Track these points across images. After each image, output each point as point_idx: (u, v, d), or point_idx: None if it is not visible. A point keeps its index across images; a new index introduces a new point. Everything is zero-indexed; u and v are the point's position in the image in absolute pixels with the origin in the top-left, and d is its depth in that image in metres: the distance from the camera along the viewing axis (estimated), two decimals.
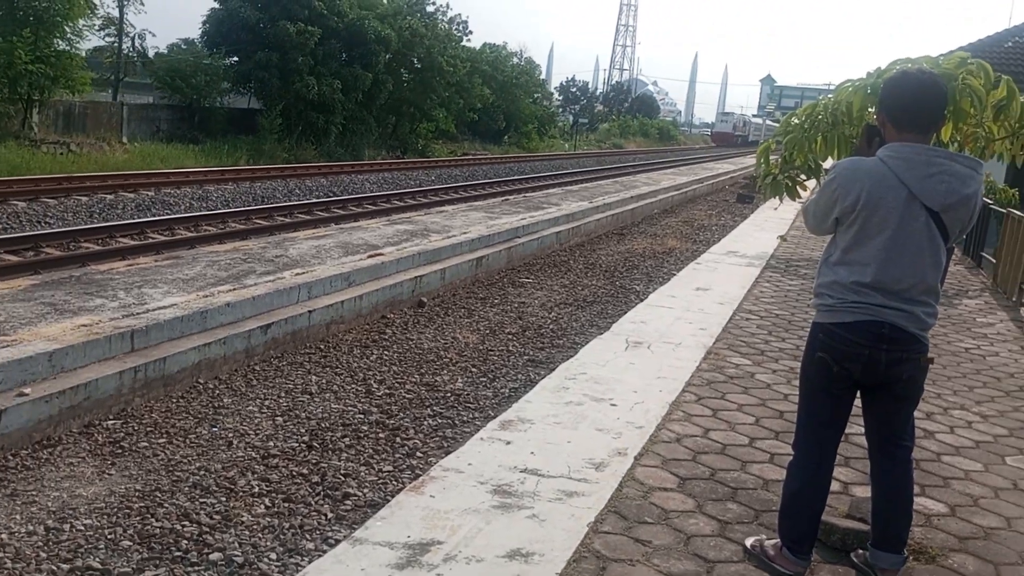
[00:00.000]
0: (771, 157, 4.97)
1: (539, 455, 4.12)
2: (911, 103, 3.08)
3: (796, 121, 4.90)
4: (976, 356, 7.10)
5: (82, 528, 4.75)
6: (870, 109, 4.19)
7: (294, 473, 5.76)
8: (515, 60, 53.59)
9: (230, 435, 6.29)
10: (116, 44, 30.41)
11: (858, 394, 3.30)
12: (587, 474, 3.94)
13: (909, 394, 3.23)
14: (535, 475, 3.87)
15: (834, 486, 4.20)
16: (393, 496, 3.95)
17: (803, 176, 4.85)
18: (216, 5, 31.62)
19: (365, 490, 5.63)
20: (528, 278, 12.91)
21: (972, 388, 6.16)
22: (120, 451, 5.87)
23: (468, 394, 7.61)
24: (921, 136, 3.08)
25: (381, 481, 5.75)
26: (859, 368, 3.14)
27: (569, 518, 3.49)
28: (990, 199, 12.50)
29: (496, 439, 4.27)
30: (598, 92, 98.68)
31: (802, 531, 3.28)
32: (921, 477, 4.41)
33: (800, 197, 5.05)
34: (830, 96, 4.72)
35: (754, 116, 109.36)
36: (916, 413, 5.36)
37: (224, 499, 5.32)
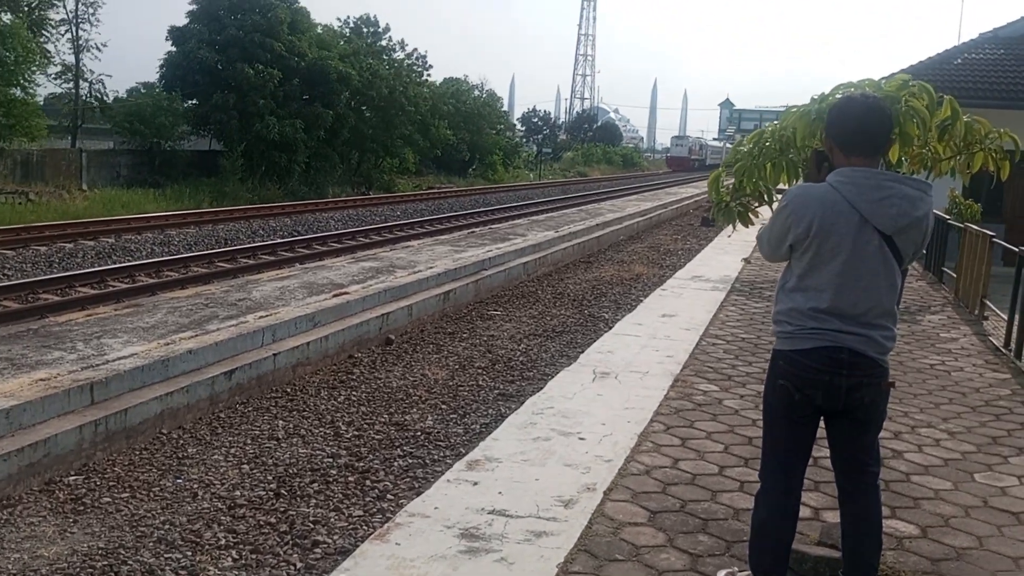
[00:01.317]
0: (723, 184, 5.01)
1: (507, 495, 4.06)
2: (857, 127, 3.11)
3: (745, 148, 4.94)
4: (941, 372, 7.15)
5: None
6: (816, 135, 4.22)
7: (262, 523, 5.65)
8: (476, 93, 53.90)
9: (195, 486, 6.17)
10: (73, 90, 30.16)
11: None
12: (556, 512, 3.88)
13: (871, 419, 3.21)
14: (503, 516, 3.81)
15: (805, 512, 4.19)
16: (364, 542, 3.86)
17: (755, 203, 4.90)
18: (173, 48, 31.52)
19: (335, 537, 5.53)
20: (496, 310, 12.87)
21: (938, 405, 6.19)
22: (82, 508, 5.73)
23: (439, 432, 7.53)
24: (869, 160, 3.11)
25: (351, 527, 5.65)
26: (820, 394, 3.13)
27: (538, 559, 3.43)
28: (952, 214, 12.66)
29: (463, 480, 4.20)
30: (561, 121, 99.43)
31: (772, 562, 3.24)
32: (891, 498, 4.40)
33: (752, 223, 5.09)
34: (776, 123, 4.77)
35: (713, 139, 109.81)
36: (884, 433, 5.39)
37: (190, 553, 5.20)
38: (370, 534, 4.72)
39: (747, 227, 5.79)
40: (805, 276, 3.15)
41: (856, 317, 3.09)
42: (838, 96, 3.46)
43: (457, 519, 3.76)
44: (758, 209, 4.94)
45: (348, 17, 41.89)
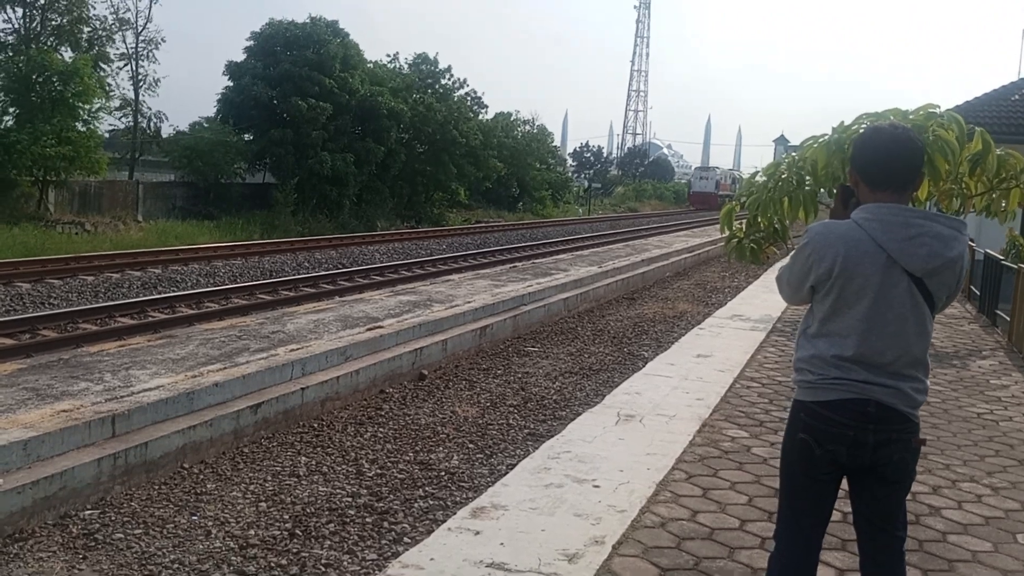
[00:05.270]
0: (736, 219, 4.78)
1: (509, 546, 3.86)
2: (884, 160, 2.90)
3: (760, 180, 4.70)
4: (989, 422, 6.77)
5: None
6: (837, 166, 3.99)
7: (272, 564, 5.52)
8: (527, 127, 54.06)
9: (210, 524, 6.07)
10: (132, 124, 30.92)
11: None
12: (559, 567, 3.66)
13: (899, 479, 2.96)
14: (501, 570, 3.61)
15: (829, 573, 3.91)
16: None
17: (769, 241, 4.64)
18: (230, 84, 32.17)
19: None
20: (534, 347, 12.69)
21: (983, 457, 5.83)
22: (93, 544, 5.65)
23: (463, 472, 7.35)
24: (897, 195, 2.89)
25: (364, 571, 5.49)
26: (844, 451, 2.89)
27: None
28: (1009, 254, 12.15)
29: (465, 529, 4.01)
30: (612, 157, 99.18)
31: None
32: (924, 560, 4.11)
33: (766, 262, 4.83)
34: (793, 155, 4.54)
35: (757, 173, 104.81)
36: (922, 488, 5.09)
37: None
38: None
39: (759, 265, 5.56)
40: (828, 320, 2.93)
41: (884, 367, 2.85)
42: (862, 126, 3.24)
43: (453, 572, 3.57)
44: (771, 247, 4.69)
45: (397, 54, 42.37)
